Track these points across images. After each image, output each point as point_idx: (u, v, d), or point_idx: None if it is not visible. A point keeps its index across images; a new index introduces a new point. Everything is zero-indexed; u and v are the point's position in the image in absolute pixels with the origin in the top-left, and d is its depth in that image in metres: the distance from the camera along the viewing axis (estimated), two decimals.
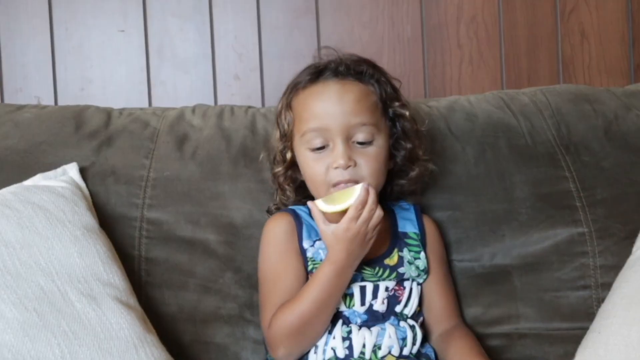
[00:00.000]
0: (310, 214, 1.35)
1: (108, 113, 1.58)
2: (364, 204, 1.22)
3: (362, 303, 1.31)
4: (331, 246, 1.25)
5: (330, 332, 1.29)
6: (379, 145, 1.33)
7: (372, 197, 1.23)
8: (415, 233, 1.39)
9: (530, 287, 1.44)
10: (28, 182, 1.39)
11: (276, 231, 1.35)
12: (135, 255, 1.42)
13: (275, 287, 1.31)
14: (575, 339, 1.31)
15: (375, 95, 1.35)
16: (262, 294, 1.34)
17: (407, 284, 1.34)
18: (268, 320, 1.29)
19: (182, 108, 1.62)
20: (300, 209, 1.38)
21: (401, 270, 1.34)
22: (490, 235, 1.47)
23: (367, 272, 1.32)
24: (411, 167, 1.40)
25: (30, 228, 1.28)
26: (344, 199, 1.24)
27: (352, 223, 1.22)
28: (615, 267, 1.39)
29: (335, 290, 1.26)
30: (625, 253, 1.39)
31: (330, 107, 1.31)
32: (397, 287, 1.33)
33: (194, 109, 1.61)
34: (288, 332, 1.26)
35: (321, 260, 1.31)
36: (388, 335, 1.28)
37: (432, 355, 1.34)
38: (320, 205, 1.25)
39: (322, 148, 1.32)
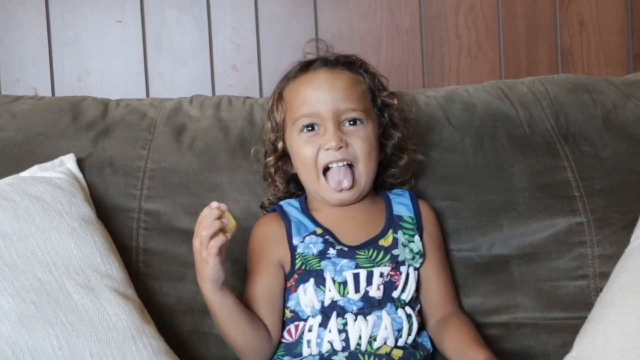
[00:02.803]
0: (299, 209, 1.38)
1: (105, 104, 1.57)
2: (200, 219, 1.22)
3: (357, 290, 1.30)
4: None
5: (325, 326, 1.29)
6: (369, 131, 1.35)
7: (202, 214, 1.22)
8: (410, 217, 1.39)
9: (528, 276, 1.44)
10: (25, 174, 1.38)
11: (264, 234, 1.37)
12: (133, 247, 1.42)
13: (247, 282, 1.35)
14: (574, 328, 1.31)
15: (365, 84, 1.38)
16: None
17: (403, 268, 1.34)
18: None
19: (180, 99, 1.62)
20: (289, 204, 1.40)
21: (395, 252, 1.34)
22: (489, 225, 1.46)
23: (361, 256, 1.32)
24: (400, 156, 1.42)
25: (27, 219, 1.28)
26: None
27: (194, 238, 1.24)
28: (613, 257, 1.39)
29: (214, 311, 1.27)
30: (623, 242, 1.39)
31: (321, 94, 1.34)
32: (393, 272, 1.33)
33: (191, 100, 1.61)
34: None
35: (312, 255, 1.32)
36: (384, 327, 1.28)
37: (429, 344, 1.34)
38: None
39: (313, 129, 1.34)
